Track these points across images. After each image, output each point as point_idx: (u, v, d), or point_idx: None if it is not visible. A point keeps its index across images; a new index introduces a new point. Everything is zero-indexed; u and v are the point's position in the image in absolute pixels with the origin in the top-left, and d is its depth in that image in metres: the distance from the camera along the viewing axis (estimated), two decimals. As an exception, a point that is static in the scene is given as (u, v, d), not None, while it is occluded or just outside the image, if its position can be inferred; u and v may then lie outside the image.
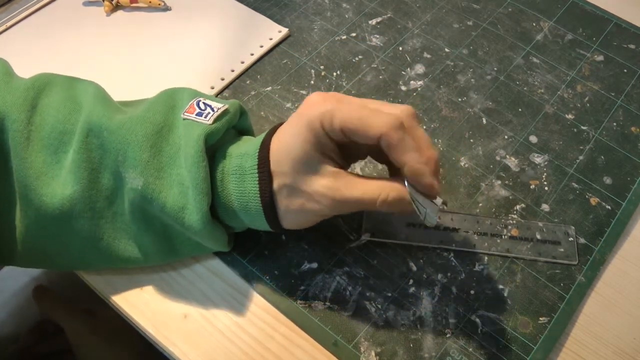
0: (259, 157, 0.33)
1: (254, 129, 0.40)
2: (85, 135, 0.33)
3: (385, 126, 0.30)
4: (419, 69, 0.49)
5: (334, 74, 0.49)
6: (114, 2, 0.52)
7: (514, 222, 0.40)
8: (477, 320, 0.37)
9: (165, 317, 0.36)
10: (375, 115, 0.30)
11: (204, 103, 0.35)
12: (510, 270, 0.39)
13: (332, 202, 0.32)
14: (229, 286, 0.38)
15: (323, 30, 0.52)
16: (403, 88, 0.48)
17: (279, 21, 0.52)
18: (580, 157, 0.44)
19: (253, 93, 0.47)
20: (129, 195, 0.33)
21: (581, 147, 0.45)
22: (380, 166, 0.43)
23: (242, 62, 0.49)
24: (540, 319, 0.37)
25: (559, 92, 0.48)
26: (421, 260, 0.39)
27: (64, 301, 0.53)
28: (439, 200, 0.32)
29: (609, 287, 0.39)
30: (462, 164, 0.44)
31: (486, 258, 0.39)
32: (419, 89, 0.48)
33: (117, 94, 0.38)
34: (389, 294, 0.37)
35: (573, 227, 0.40)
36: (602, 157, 0.44)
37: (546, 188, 0.43)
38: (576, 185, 0.43)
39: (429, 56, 0.50)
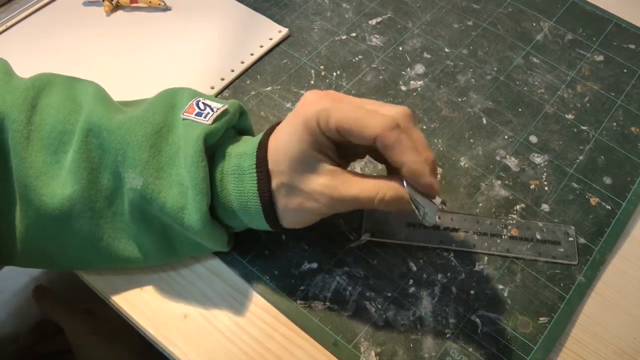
0: (257, 156, 0.33)
1: (254, 129, 0.40)
2: (85, 135, 0.33)
3: (381, 127, 0.30)
4: (419, 69, 0.49)
5: (334, 74, 0.49)
6: (114, 2, 0.52)
7: (514, 222, 0.40)
8: (477, 320, 0.36)
9: (165, 317, 0.36)
10: (371, 116, 0.30)
11: (203, 103, 0.35)
12: (510, 270, 0.39)
13: (330, 201, 0.31)
14: (229, 286, 0.38)
15: (323, 30, 0.52)
16: (403, 88, 0.48)
17: (279, 21, 0.52)
18: (580, 157, 0.44)
19: (253, 93, 0.47)
20: (129, 195, 0.33)
21: (581, 147, 0.45)
22: (380, 166, 0.43)
23: (242, 62, 0.49)
24: (540, 319, 0.37)
25: (559, 92, 0.48)
26: (421, 260, 0.39)
27: (64, 301, 0.53)
28: (437, 200, 0.32)
29: (609, 287, 0.39)
30: (462, 164, 0.44)
31: (486, 258, 0.39)
32: (419, 89, 0.48)
33: (117, 94, 0.38)
34: (389, 294, 0.37)
35: (573, 227, 0.40)
36: (602, 157, 0.44)
37: (546, 188, 0.42)
38: (576, 185, 0.43)
39: (429, 56, 0.50)
